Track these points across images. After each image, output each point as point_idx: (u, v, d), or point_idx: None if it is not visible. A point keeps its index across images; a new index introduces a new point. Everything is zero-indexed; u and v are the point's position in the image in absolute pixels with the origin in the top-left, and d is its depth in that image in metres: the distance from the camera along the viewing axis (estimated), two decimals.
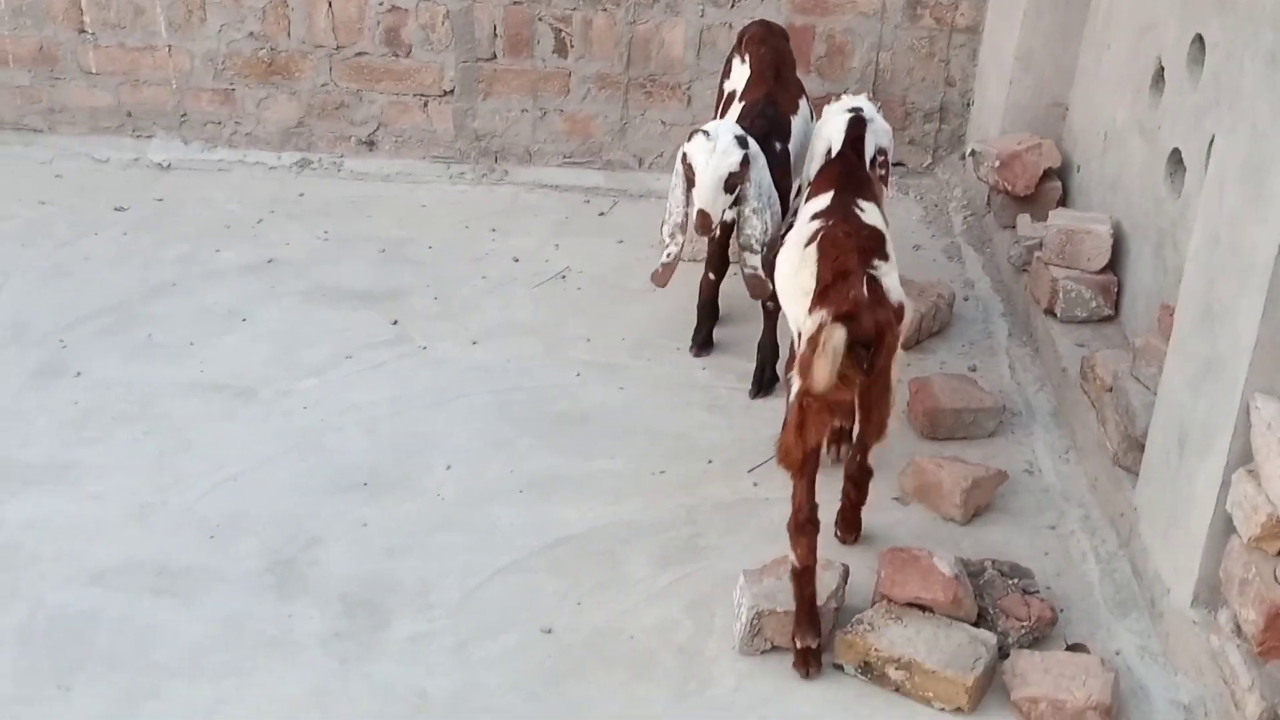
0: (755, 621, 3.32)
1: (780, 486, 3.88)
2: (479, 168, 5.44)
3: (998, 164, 4.83)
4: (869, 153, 3.76)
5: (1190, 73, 3.92)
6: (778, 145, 4.12)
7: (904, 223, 5.25)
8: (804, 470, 3.23)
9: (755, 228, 3.98)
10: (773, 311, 4.13)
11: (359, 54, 5.32)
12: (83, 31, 5.28)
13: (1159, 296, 3.95)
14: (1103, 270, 4.31)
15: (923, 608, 3.33)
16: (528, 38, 5.30)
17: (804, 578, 3.25)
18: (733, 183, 3.87)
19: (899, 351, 3.35)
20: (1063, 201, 4.85)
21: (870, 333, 3.10)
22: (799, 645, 3.29)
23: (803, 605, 3.26)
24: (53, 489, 3.73)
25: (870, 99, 3.95)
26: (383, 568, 3.53)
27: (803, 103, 4.29)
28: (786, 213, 4.12)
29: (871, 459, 3.58)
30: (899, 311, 3.25)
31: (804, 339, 3.14)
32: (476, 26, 5.24)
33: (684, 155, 3.93)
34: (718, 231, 4.07)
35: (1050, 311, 4.35)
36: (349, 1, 5.23)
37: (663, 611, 3.45)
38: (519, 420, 4.11)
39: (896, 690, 3.24)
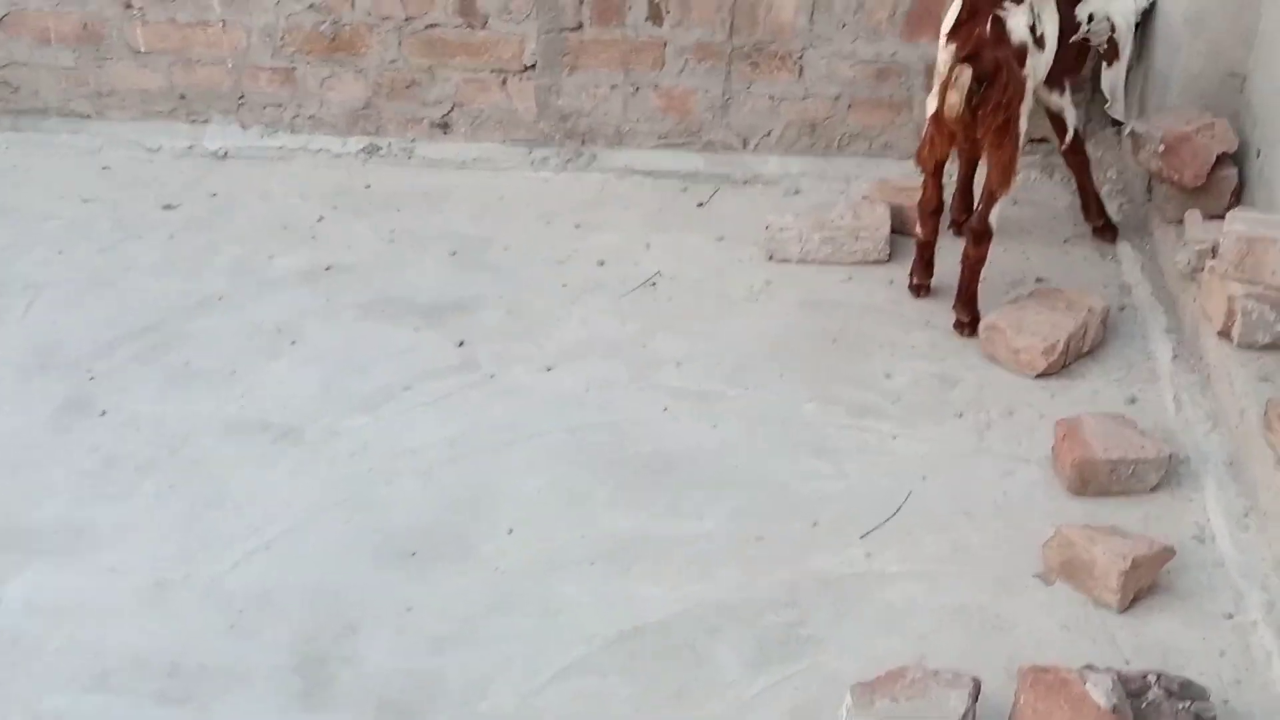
0: None
1: (897, 559, 3.33)
2: (564, 151, 4.87)
3: (1162, 149, 4.11)
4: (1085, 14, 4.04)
5: None
6: None
7: (1050, 210, 4.59)
8: (934, 172, 3.97)
9: None
10: None
11: (430, 26, 4.76)
12: (129, 6, 4.80)
13: None
14: None
15: None
16: (618, 4, 4.68)
17: (925, 248, 4.09)
18: None
19: (1028, 98, 3.77)
20: (1238, 193, 4.14)
21: (988, 69, 3.63)
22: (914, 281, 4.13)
23: (920, 261, 4.10)
24: (63, 560, 3.28)
25: None
26: (427, 665, 3.03)
27: None
28: None
29: (993, 217, 3.87)
30: (1019, 51, 3.71)
31: (938, 69, 3.80)
32: None
33: None
34: None
35: (1225, 335, 3.67)
36: None
37: None
38: (596, 465, 3.58)
39: None
